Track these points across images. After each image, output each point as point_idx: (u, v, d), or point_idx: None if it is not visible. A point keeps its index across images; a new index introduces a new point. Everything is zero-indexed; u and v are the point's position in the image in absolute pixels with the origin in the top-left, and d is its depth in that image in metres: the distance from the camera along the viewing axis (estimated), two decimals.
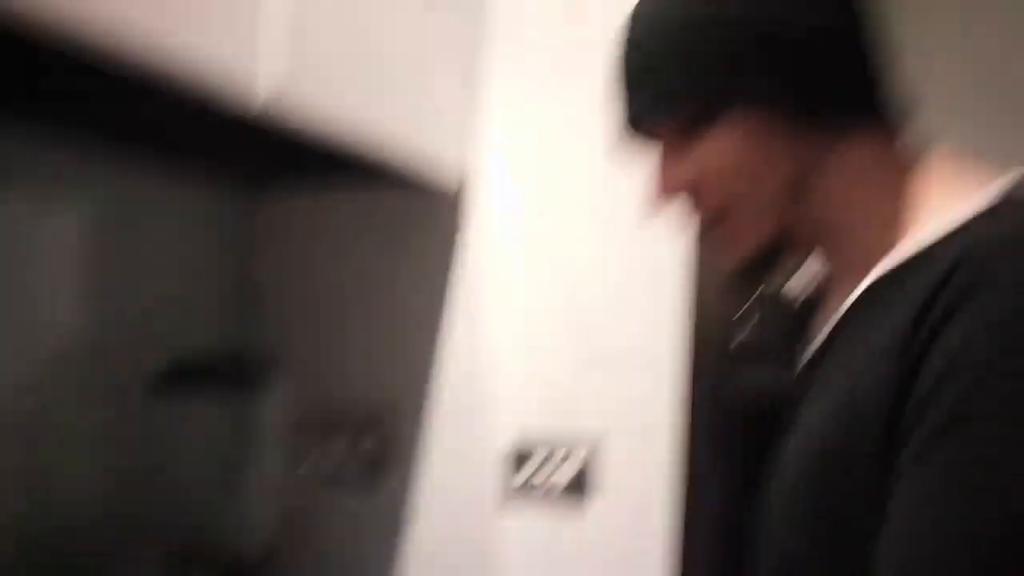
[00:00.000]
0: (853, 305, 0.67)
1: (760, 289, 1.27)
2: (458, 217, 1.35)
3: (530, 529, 1.27)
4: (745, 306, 1.26)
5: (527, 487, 1.26)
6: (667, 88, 0.68)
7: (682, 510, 1.20)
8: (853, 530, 0.59)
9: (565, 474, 1.24)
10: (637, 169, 1.26)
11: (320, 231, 1.44)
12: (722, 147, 0.68)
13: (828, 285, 0.75)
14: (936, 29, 1.71)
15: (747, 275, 0.76)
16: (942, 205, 0.64)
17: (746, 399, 1.29)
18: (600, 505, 1.24)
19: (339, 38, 1.03)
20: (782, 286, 1.29)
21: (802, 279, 1.26)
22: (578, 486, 1.24)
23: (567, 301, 1.28)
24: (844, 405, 0.61)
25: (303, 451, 1.39)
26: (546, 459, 1.26)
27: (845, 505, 0.60)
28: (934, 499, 0.54)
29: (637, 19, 0.71)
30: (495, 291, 1.32)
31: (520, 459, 1.28)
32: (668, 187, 0.71)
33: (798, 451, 0.67)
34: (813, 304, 1.29)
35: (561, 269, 1.29)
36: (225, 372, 1.32)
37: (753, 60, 0.65)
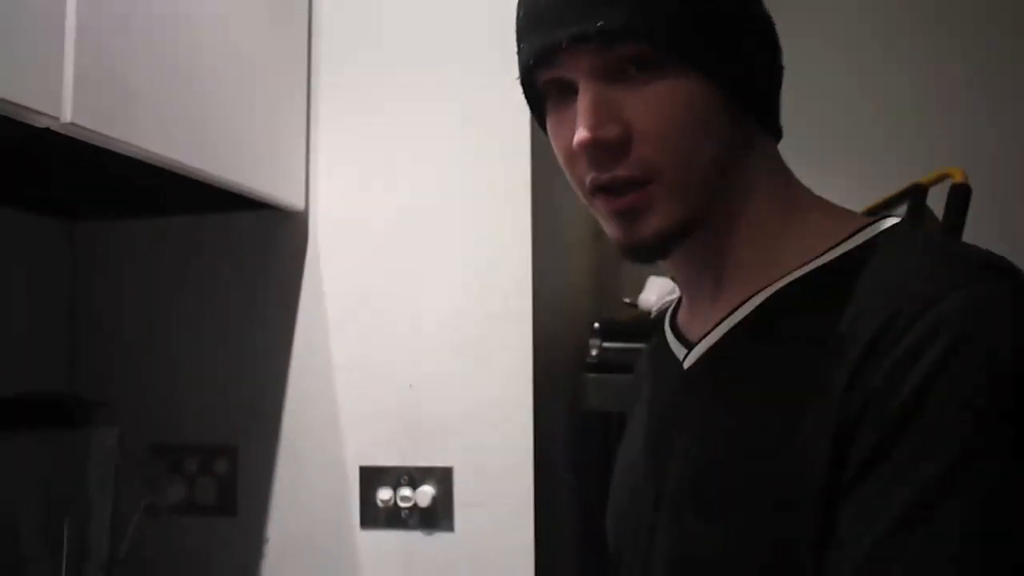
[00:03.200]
0: (742, 323, 0.64)
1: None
2: (301, 237, 1.34)
3: (386, 549, 1.28)
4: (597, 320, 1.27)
5: (384, 506, 1.28)
6: (620, 18, 0.60)
7: (541, 523, 1.22)
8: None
9: (423, 494, 1.27)
10: (482, 187, 1.25)
11: (151, 257, 1.40)
12: (664, 104, 0.61)
13: (685, 294, 0.74)
14: None
15: (641, 259, 0.66)
16: (823, 227, 0.65)
17: (599, 410, 1.31)
18: (460, 524, 1.26)
19: (154, 57, 0.97)
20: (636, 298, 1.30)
21: (655, 291, 1.28)
22: (435, 505, 1.26)
23: (414, 319, 1.29)
24: (764, 443, 0.58)
25: (151, 481, 1.31)
26: (402, 479, 1.27)
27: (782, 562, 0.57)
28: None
29: None
30: (342, 311, 1.32)
31: (376, 479, 1.28)
32: (600, 134, 0.61)
33: (696, 486, 0.63)
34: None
35: (407, 286, 1.30)
36: (48, 410, 1.22)
37: (716, 26, 0.62)
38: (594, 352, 1.34)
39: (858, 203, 1.42)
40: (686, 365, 0.68)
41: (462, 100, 1.27)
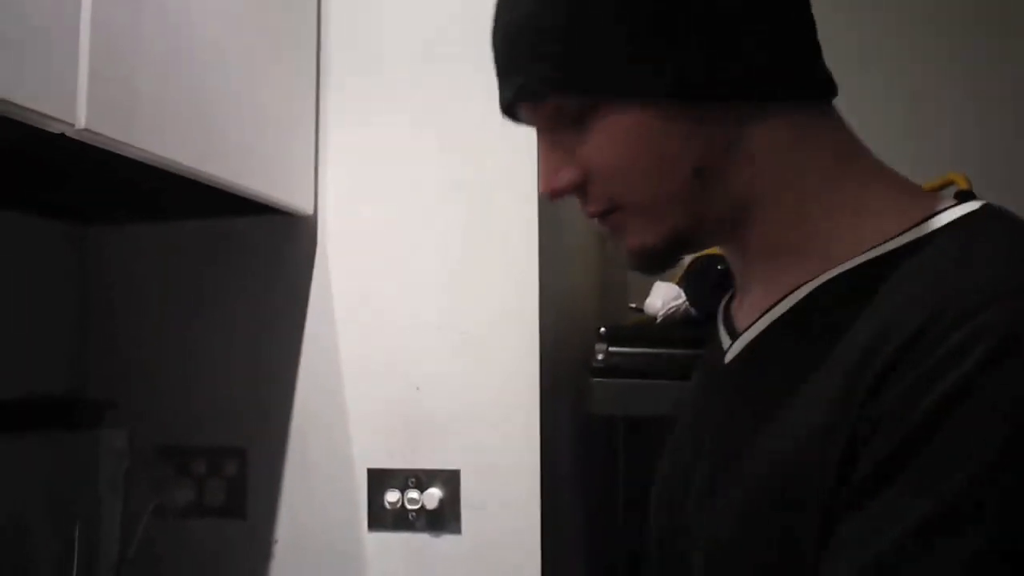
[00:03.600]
0: (788, 313, 0.60)
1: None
2: (310, 241, 1.35)
3: (394, 551, 1.29)
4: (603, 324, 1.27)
5: (392, 508, 1.28)
6: (535, 71, 0.61)
7: (547, 523, 1.23)
8: None
9: (430, 496, 1.27)
10: (489, 190, 1.26)
11: (162, 261, 1.41)
12: (604, 144, 0.60)
13: (738, 283, 0.70)
14: None
15: (644, 271, 0.67)
16: (884, 208, 0.59)
17: (604, 414, 1.31)
18: (467, 526, 1.27)
19: (166, 63, 0.98)
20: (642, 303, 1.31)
21: (660, 296, 1.29)
22: (442, 507, 1.27)
23: (421, 322, 1.30)
24: (784, 445, 0.55)
25: (160, 482, 1.31)
26: (409, 481, 1.28)
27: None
28: None
29: None
30: (350, 314, 1.33)
31: (384, 481, 1.29)
32: (557, 186, 0.63)
33: (720, 507, 0.60)
34: (676, 320, 1.31)
35: (414, 290, 1.31)
36: (56, 411, 1.23)
37: (633, 48, 0.58)
38: (600, 356, 1.34)
39: None
40: (728, 358, 0.66)
41: (470, 103, 1.28)
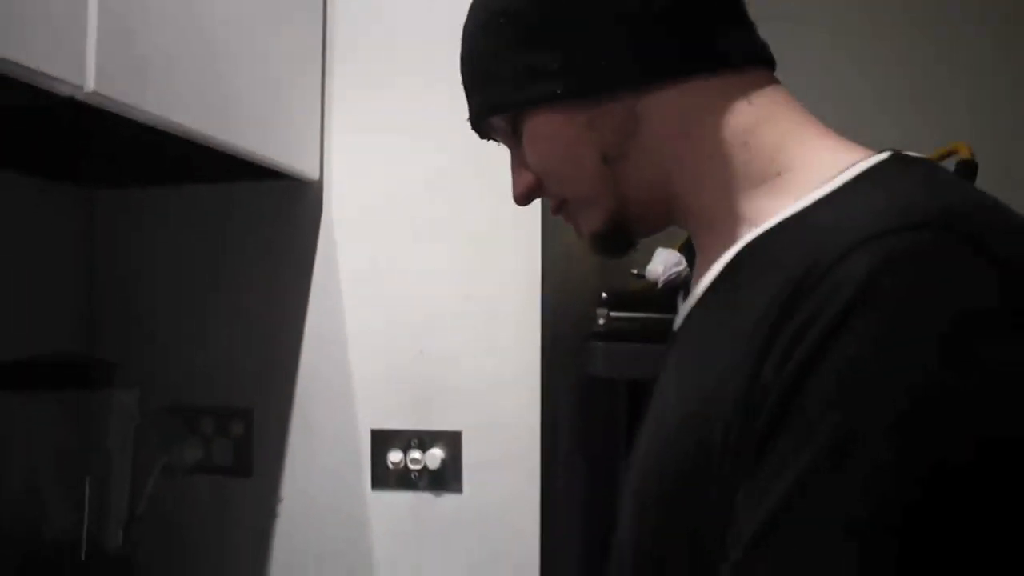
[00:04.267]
0: (716, 279, 0.62)
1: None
2: (315, 206, 1.36)
3: (397, 510, 1.32)
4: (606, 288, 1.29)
5: (395, 468, 1.31)
6: (477, 99, 0.71)
7: (547, 489, 1.25)
8: (705, 549, 0.54)
9: (433, 456, 1.30)
10: (494, 156, 1.25)
11: (170, 224, 1.43)
12: (531, 150, 0.69)
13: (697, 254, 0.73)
14: None
15: (606, 256, 0.74)
16: (801, 167, 0.60)
17: (606, 377, 1.32)
18: (468, 486, 1.30)
19: (175, 26, 0.98)
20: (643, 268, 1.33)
21: (661, 262, 1.30)
22: (444, 467, 1.30)
23: (425, 287, 1.32)
24: (696, 401, 0.56)
25: (169, 441, 1.34)
26: (412, 442, 1.31)
27: (697, 521, 0.54)
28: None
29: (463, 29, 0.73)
30: (355, 279, 1.35)
31: (387, 442, 1.32)
32: (518, 191, 0.74)
33: (647, 450, 0.63)
34: (677, 286, 1.32)
35: (419, 255, 1.33)
36: (66, 371, 1.25)
37: (522, 61, 0.65)
38: (601, 321, 1.36)
39: None
40: (675, 326, 0.70)
41: None
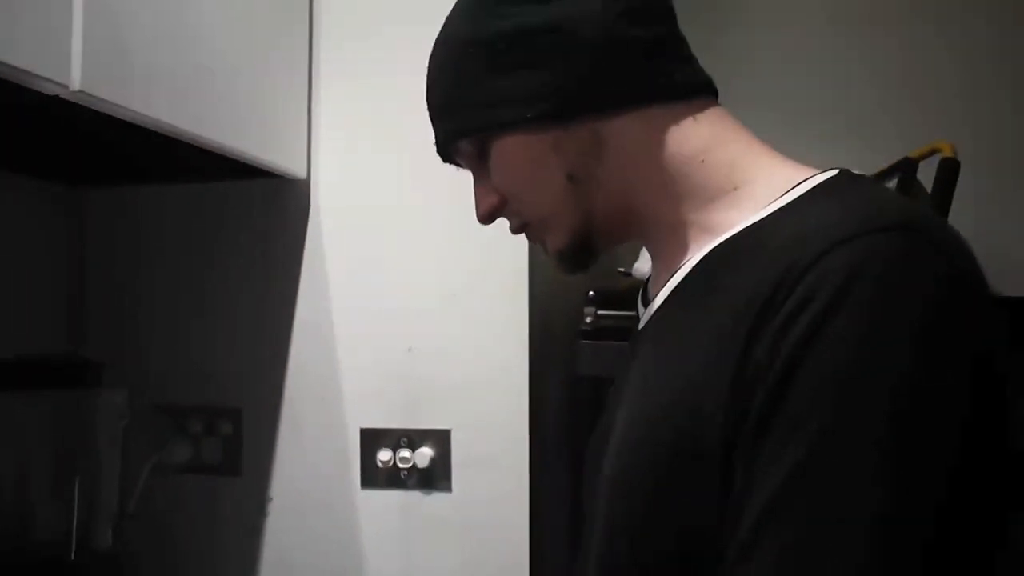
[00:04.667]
0: (683, 281, 0.66)
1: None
2: (303, 204, 1.37)
3: (386, 508, 1.32)
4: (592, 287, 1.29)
5: (384, 467, 1.31)
6: (446, 125, 0.75)
7: (535, 486, 1.25)
8: (689, 547, 0.58)
9: (422, 455, 1.31)
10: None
11: (159, 223, 1.43)
12: (498, 172, 0.73)
13: (652, 263, 0.78)
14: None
15: (570, 272, 0.77)
16: (755, 182, 0.66)
17: (593, 375, 1.33)
18: (457, 485, 1.30)
19: (161, 26, 0.99)
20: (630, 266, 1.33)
21: (647, 261, 1.30)
22: (433, 466, 1.31)
23: (413, 285, 1.33)
24: (679, 391, 0.60)
25: (158, 441, 1.34)
26: (401, 441, 1.31)
27: (676, 518, 0.58)
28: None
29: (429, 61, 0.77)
30: (343, 277, 1.35)
31: (376, 440, 1.32)
32: (482, 211, 0.77)
33: (623, 438, 0.65)
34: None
35: (406, 253, 1.33)
36: (55, 370, 1.25)
37: (491, 88, 0.69)
38: (588, 319, 1.37)
39: None
40: (641, 325, 0.73)
41: None
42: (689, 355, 0.60)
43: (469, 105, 0.71)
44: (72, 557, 1.19)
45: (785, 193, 0.63)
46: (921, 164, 1.43)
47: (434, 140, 0.77)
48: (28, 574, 1.10)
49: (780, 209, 0.62)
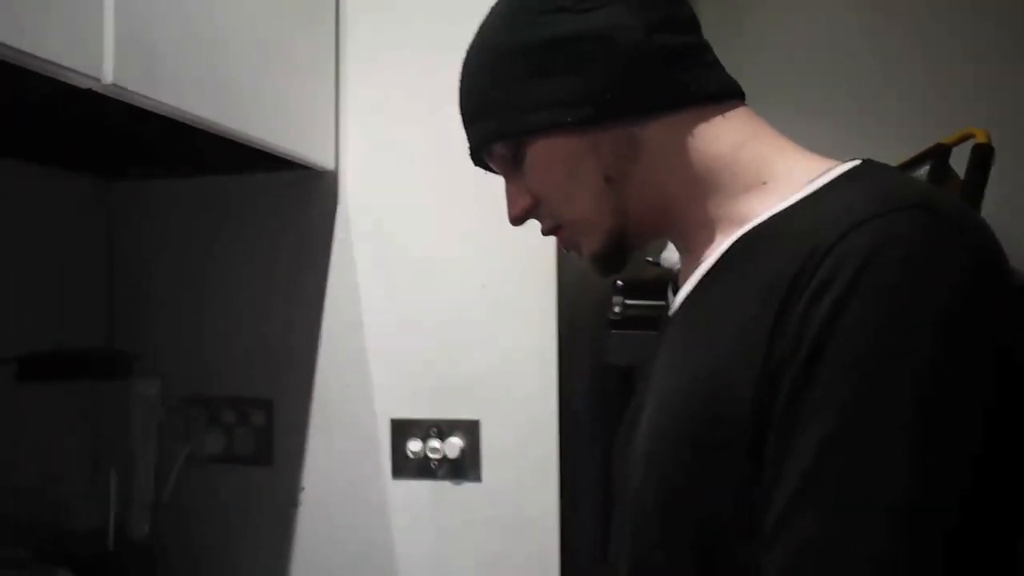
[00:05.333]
0: (713, 267, 0.68)
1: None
2: (331, 195, 1.37)
3: (417, 499, 1.33)
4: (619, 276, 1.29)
5: (415, 458, 1.32)
6: (481, 129, 0.76)
7: (565, 474, 1.25)
8: (717, 528, 0.59)
9: (452, 445, 1.31)
10: None
11: (189, 216, 1.44)
12: (535, 174, 0.75)
13: (680, 256, 0.80)
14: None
15: (605, 274, 0.78)
16: (782, 176, 0.68)
17: (621, 365, 1.32)
18: (487, 475, 1.31)
19: (190, 19, 0.99)
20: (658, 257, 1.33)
21: (676, 250, 1.29)
22: (463, 456, 1.31)
23: (443, 275, 1.33)
24: (711, 366, 0.61)
25: (190, 431, 1.35)
26: (431, 431, 1.32)
27: (705, 499, 0.59)
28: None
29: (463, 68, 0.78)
30: (372, 268, 1.36)
31: (407, 431, 1.33)
32: (514, 213, 0.79)
33: (658, 413, 0.67)
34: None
35: (435, 243, 1.34)
36: (89, 363, 1.27)
37: (530, 92, 0.71)
38: (617, 309, 1.36)
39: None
40: (671, 312, 0.75)
41: None
42: (716, 339, 0.62)
43: (507, 109, 0.73)
44: (110, 547, 1.20)
45: (809, 183, 0.65)
46: (954, 151, 1.40)
47: (469, 146, 0.79)
48: (68, 564, 1.11)
49: (804, 198, 0.64)
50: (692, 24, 0.74)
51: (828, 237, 0.55)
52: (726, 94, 0.72)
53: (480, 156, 0.80)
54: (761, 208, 0.66)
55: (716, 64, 0.74)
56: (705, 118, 0.71)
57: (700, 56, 0.73)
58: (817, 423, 0.52)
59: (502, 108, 0.73)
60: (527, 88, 0.71)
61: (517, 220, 0.79)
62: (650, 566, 0.65)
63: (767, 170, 0.69)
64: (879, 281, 0.52)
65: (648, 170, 0.71)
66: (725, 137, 0.70)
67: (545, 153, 0.73)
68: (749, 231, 0.66)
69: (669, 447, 0.63)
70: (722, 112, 0.71)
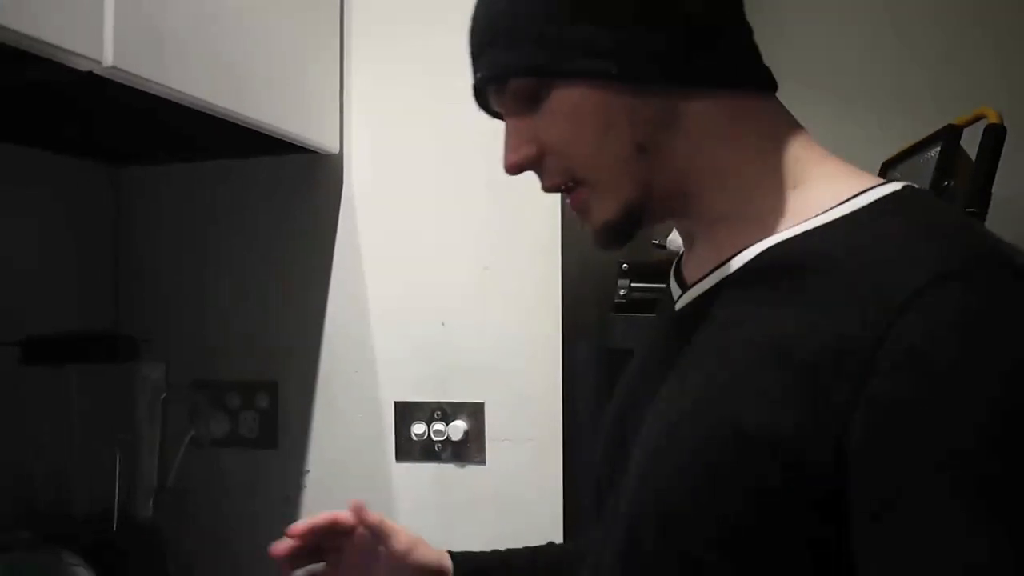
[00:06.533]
0: (735, 275, 0.65)
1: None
2: (336, 179, 1.37)
3: (421, 481, 1.33)
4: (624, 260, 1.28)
5: (418, 440, 1.33)
6: (497, 60, 0.67)
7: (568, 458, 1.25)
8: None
9: (455, 428, 1.31)
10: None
11: (193, 200, 1.44)
12: (556, 122, 0.67)
13: (685, 243, 0.75)
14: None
15: (608, 247, 0.70)
16: (816, 183, 0.65)
17: (626, 348, 1.31)
18: (491, 457, 1.31)
19: (192, 1, 0.99)
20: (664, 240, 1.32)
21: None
22: (467, 439, 1.32)
23: (446, 258, 1.33)
24: (720, 410, 0.58)
25: (195, 415, 1.36)
26: (435, 414, 1.32)
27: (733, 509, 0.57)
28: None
29: None
30: (376, 251, 1.36)
31: (410, 413, 1.33)
32: (514, 160, 0.69)
33: (650, 448, 0.64)
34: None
35: (439, 226, 1.33)
36: (95, 346, 1.27)
37: (577, 32, 0.64)
38: (622, 292, 1.36)
39: (893, 144, 1.42)
40: (677, 307, 0.70)
41: None
42: (740, 366, 0.59)
43: (539, 41, 0.64)
44: (114, 528, 1.21)
45: (845, 201, 0.61)
46: (965, 132, 1.39)
47: (477, 74, 0.70)
48: (72, 545, 1.12)
49: (843, 218, 0.60)
50: (741, 2, 0.69)
51: (899, 286, 0.52)
52: (768, 84, 0.68)
53: (486, 89, 0.70)
54: (790, 216, 0.63)
55: (758, 50, 0.69)
56: (747, 105, 0.67)
57: (749, 38, 0.68)
58: (916, 512, 0.50)
59: (532, 39, 0.65)
60: (570, 23, 0.63)
61: (515, 168, 0.70)
62: None
63: (799, 174, 0.65)
64: (987, 358, 0.50)
65: (680, 148, 0.66)
66: (763, 131, 0.67)
67: (576, 101, 0.65)
68: (779, 244, 0.62)
69: (674, 474, 0.60)
70: (762, 102, 0.68)
